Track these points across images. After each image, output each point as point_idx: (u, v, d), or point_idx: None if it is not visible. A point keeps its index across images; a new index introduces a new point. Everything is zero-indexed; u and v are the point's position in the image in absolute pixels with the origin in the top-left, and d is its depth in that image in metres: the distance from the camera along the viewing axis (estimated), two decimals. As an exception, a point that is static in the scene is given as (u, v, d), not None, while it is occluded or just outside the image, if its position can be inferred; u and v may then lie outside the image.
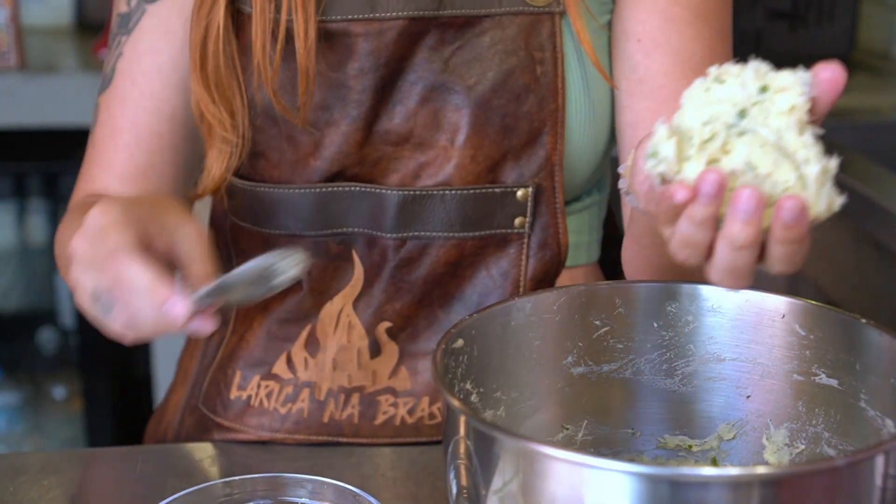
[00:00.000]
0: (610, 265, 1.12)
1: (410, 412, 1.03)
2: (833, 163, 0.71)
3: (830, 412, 0.79)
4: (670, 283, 0.84)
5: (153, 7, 1.04)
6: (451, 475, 0.71)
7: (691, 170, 0.72)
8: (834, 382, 0.79)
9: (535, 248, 1.02)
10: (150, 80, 1.05)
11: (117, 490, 0.98)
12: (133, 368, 2.33)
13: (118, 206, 0.84)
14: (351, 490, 0.83)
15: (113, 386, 2.31)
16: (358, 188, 1.01)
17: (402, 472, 0.98)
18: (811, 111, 0.72)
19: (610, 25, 1.03)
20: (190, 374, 1.12)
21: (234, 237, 1.08)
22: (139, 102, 1.05)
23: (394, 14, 0.98)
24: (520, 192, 1.00)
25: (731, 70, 0.73)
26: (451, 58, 0.99)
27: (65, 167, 2.12)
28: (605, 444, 0.86)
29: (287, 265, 0.82)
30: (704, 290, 0.83)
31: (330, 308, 1.04)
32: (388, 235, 1.01)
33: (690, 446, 0.85)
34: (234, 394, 1.05)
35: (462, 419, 0.69)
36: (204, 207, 1.14)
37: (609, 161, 1.10)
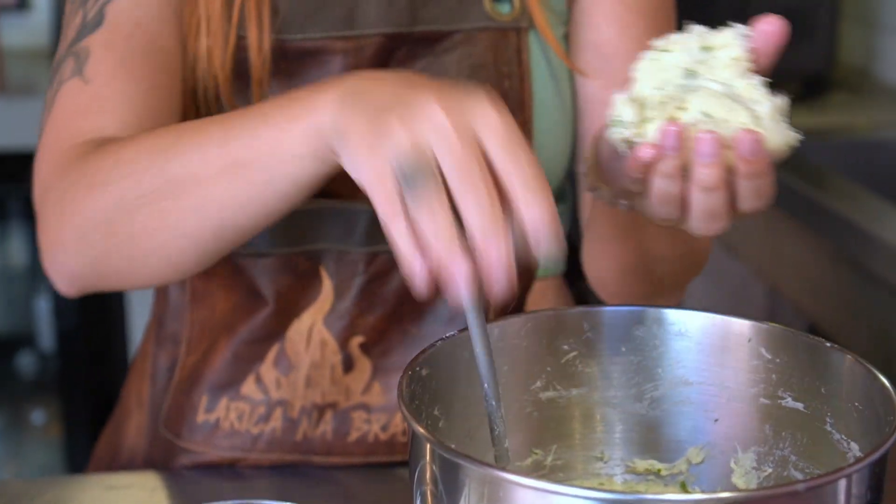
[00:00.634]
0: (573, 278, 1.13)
1: (384, 428, 1.03)
2: (782, 100, 0.75)
3: (797, 435, 0.80)
4: (637, 308, 0.84)
5: None
6: (418, 501, 0.71)
7: (653, 130, 0.76)
8: (800, 406, 0.79)
9: None
10: (150, 21, 0.98)
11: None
12: (114, 393, 2.31)
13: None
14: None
15: (93, 410, 2.30)
16: (328, 204, 1.00)
17: (372, 497, 0.97)
18: (755, 63, 0.77)
19: (566, 38, 1.04)
20: (145, 398, 1.10)
21: None
22: (143, 41, 0.97)
23: (372, 31, 0.99)
24: None
25: (675, 38, 0.78)
26: (420, 73, 0.99)
27: (44, 190, 2.11)
28: (574, 469, 0.85)
29: None
30: (671, 314, 0.83)
31: (298, 325, 1.03)
32: (359, 250, 1.01)
33: (659, 470, 0.85)
34: (201, 417, 1.04)
35: (427, 446, 0.69)
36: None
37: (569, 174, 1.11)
